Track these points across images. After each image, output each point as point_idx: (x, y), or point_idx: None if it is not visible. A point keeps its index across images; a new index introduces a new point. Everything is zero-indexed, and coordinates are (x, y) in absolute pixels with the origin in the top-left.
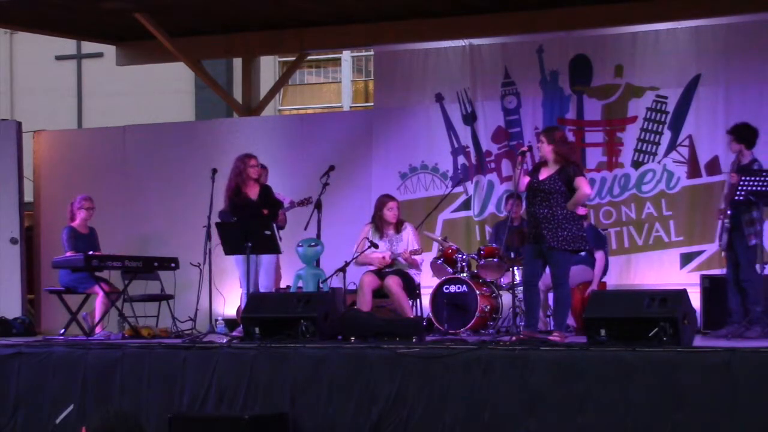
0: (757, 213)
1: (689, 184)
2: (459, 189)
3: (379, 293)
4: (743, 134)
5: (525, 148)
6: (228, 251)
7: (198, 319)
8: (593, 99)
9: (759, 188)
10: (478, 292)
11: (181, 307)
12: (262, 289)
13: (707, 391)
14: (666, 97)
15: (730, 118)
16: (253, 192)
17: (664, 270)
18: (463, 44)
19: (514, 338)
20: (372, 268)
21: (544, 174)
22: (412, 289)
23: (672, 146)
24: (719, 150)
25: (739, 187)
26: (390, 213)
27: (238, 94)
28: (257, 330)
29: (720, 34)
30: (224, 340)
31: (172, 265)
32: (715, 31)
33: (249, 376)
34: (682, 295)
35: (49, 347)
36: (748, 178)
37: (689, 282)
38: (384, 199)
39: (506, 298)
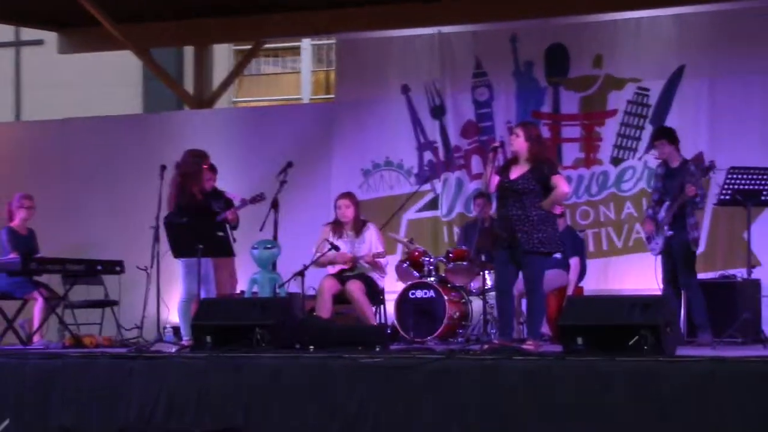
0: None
1: None
2: (426, 187)
3: (340, 299)
4: (673, 135)
5: (497, 144)
6: (177, 254)
7: (145, 327)
8: (570, 91)
9: (747, 187)
10: (446, 297)
11: (126, 314)
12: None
13: (691, 402)
14: (648, 90)
15: (715, 111)
16: (202, 192)
17: (645, 274)
18: (432, 32)
19: (484, 347)
20: (332, 271)
21: (515, 173)
22: (375, 295)
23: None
24: (704, 146)
25: (725, 186)
26: (341, 212)
27: (189, 85)
28: (209, 338)
29: (705, 22)
30: (173, 350)
31: (117, 268)
32: (700, 19)
33: (200, 388)
34: (664, 301)
35: None
36: (735, 176)
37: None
38: (337, 198)
39: (476, 304)
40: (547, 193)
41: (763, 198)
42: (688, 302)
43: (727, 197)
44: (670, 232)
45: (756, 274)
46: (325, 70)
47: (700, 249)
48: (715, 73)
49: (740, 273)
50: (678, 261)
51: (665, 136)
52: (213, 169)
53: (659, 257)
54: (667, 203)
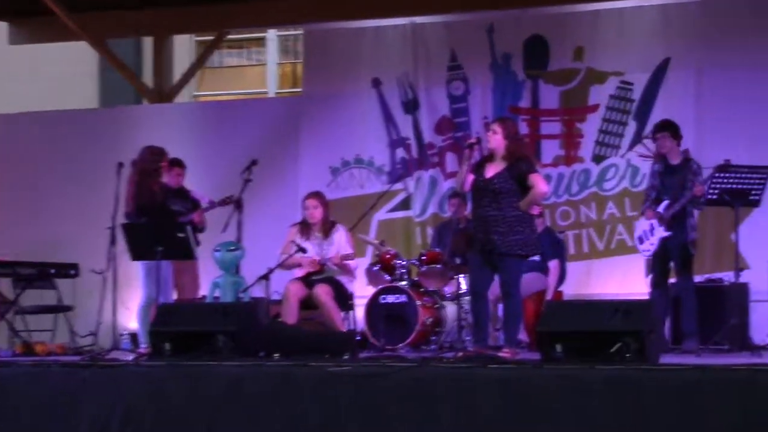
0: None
1: None
2: (398, 186)
3: (307, 304)
4: (677, 130)
5: (473, 140)
6: (135, 256)
7: (100, 334)
8: (550, 85)
9: (735, 186)
10: (418, 302)
11: (81, 320)
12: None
13: (675, 413)
14: (631, 84)
15: (702, 106)
16: (163, 192)
17: (628, 278)
18: (404, 23)
19: (459, 355)
20: (299, 274)
21: (491, 171)
22: (344, 299)
23: (637, 138)
24: (690, 143)
25: (711, 184)
26: (309, 213)
27: (148, 78)
28: (168, 346)
29: (691, 13)
30: (130, 358)
31: (71, 272)
32: (686, 9)
33: (158, 398)
34: (648, 306)
35: None
36: (722, 175)
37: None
38: (304, 198)
39: (450, 309)
40: (525, 192)
41: (751, 198)
42: (677, 307)
43: (714, 197)
44: (669, 233)
45: (744, 277)
46: (291, 62)
47: None
48: (702, 66)
49: (728, 276)
50: (675, 263)
51: (668, 129)
52: (181, 165)
53: (647, 259)
54: (667, 202)
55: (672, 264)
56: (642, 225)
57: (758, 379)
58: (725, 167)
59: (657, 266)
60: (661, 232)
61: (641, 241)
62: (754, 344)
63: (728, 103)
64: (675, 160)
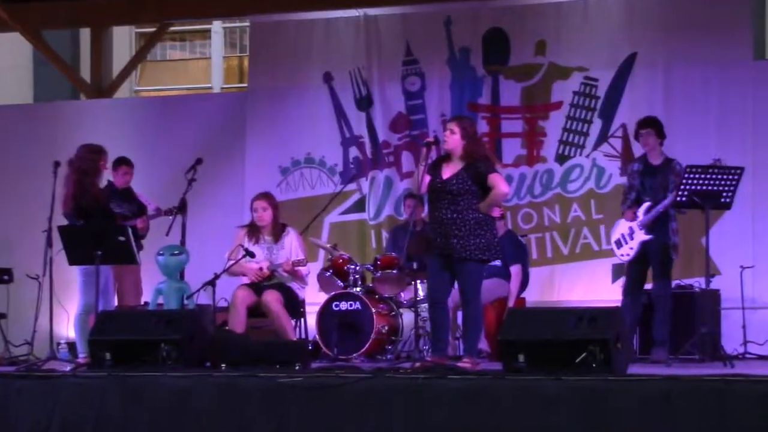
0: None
1: (623, 182)
2: (351, 187)
3: (256, 311)
4: (661, 128)
5: (431, 139)
6: (73, 261)
7: (36, 343)
8: (511, 81)
9: (706, 188)
10: (373, 309)
11: (15, 328)
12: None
13: (643, 426)
14: (596, 80)
15: (670, 104)
16: (103, 192)
17: (594, 284)
18: (357, 14)
19: (416, 365)
20: (247, 280)
21: (448, 172)
22: (294, 307)
23: (603, 137)
24: None
25: (681, 186)
26: (258, 215)
27: (86, 72)
28: (108, 355)
29: (658, 5)
30: (68, 368)
31: (5, 277)
32: (653, 2)
33: (98, 410)
34: (614, 313)
35: None
36: (692, 176)
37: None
38: (253, 199)
39: (407, 317)
40: (485, 194)
41: (722, 200)
42: (648, 315)
43: (683, 199)
44: (649, 237)
45: (715, 284)
46: (237, 55)
47: None
48: (670, 62)
49: (698, 283)
50: (655, 268)
51: (652, 126)
52: (128, 164)
53: (623, 264)
54: (648, 204)
55: (650, 269)
56: (620, 228)
57: (730, 390)
58: (695, 168)
59: (633, 271)
60: (641, 236)
61: (619, 245)
62: (726, 354)
63: (697, 100)
64: (656, 160)
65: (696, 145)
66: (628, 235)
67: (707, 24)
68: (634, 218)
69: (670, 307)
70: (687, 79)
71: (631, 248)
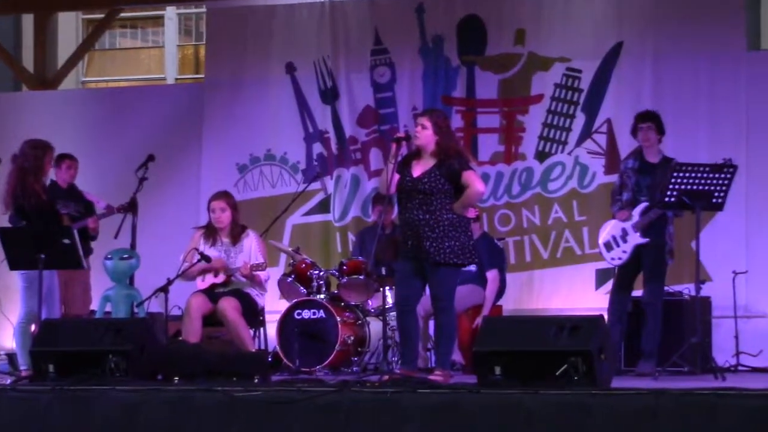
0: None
1: (607, 181)
2: (315, 186)
3: (212, 320)
4: (661, 123)
5: (401, 134)
6: (14, 265)
7: None
8: (488, 72)
9: (696, 187)
10: (338, 318)
11: None
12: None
13: None
14: (579, 71)
15: (658, 97)
16: (48, 191)
17: (576, 290)
18: (322, 0)
19: (384, 378)
20: (202, 286)
21: (419, 169)
22: (253, 315)
23: (586, 133)
24: None
25: (670, 185)
26: (215, 216)
27: (28, 61)
28: (51, 368)
29: None
30: (8, 381)
31: None
32: None
33: (41, 427)
34: (598, 322)
35: None
36: (680, 175)
37: (607, 306)
38: (210, 199)
39: (375, 326)
40: (459, 193)
41: (714, 200)
42: (636, 323)
43: (672, 199)
44: (645, 240)
45: (706, 290)
46: (193, 44)
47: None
48: (659, 52)
49: (687, 289)
50: (647, 273)
51: (653, 120)
52: (72, 159)
53: (603, 270)
54: (644, 204)
55: (642, 273)
56: (611, 228)
57: (721, 405)
58: (684, 166)
59: (622, 275)
60: (637, 239)
61: (609, 247)
62: (717, 366)
63: (688, 93)
64: (654, 158)
65: (686, 141)
66: (620, 237)
67: (698, 12)
68: (628, 219)
69: (660, 316)
70: (676, 71)
71: (624, 252)
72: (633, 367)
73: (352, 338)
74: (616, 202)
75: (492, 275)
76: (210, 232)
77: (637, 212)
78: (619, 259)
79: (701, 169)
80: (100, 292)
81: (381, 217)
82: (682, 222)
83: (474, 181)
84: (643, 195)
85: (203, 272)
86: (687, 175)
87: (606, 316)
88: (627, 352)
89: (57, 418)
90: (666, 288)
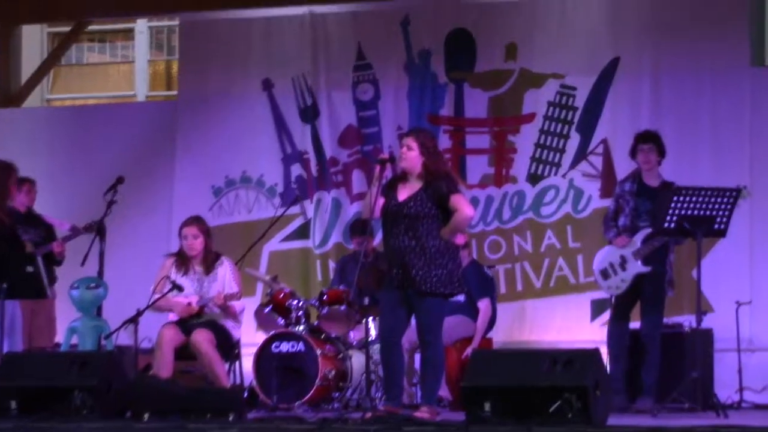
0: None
1: (603, 205)
2: (293, 210)
3: (184, 353)
4: (662, 145)
5: (385, 156)
6: None
7: None
8: (477, 89)
9: (697, 212)
10: (319, 351)
11: None
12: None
13: None
14: (574, 88)
15: (658, 116)
16: (11, 216)
17: (571, 322)
18: (302, 12)
19: (367, 415)
20: (174, 318)
21: (404, 193)
22: (228, 348)
23: (581, 154)
24: None
25: (670, 210)
26: (187, 243)
27: None
28: (14, 404)
29: (645, 4)
30: None
31: None
32: (639, 0)
33: None
34: (593, 356)
35: None
36: (680, 199)
37: (603, 339)
38: (182, 225)
39: (358, 359)
40: (447, 218)
41: (716, 226)
42: (634, 357)
43: (672, 225)
44: (647, 268)
45: (707, 322)
46: (165, 59)
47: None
48: (658, 68)
49: (688, 321)
50: (647, 304)
51: (654, 141)
52: (30, 182)
53: (599, 300)
54: (647, 230)
55: (639, 304)
56: (608, 255)
57: None
58: (684, 189)
59: (622, 305)
60: (637, 267)
61: (606, 275)
62: (719, 402)
63: (689, 112)
64: (654, 182)
65: (686, 163)
66: (619, 265)
67: (699, 25)
68: (628, 246)
69: (659, 349)
70: (676, 88)
71: (624, 281)
72: (631, 403)
73: (333, 373)
74: (610, 228)
75: (484, 304)
76: (182, 259)
77: (639, 239)
78: (617, 288)
79: (703, 192)
80: (65, 324)
81: (363, 244)
82: (683, 249)
83: (462, 206)
84: (642, 221)
85: (172, 310)
86: (687, 199)
87: (606, 350)
88: (624, 387)
89: None
90: (665, 319)
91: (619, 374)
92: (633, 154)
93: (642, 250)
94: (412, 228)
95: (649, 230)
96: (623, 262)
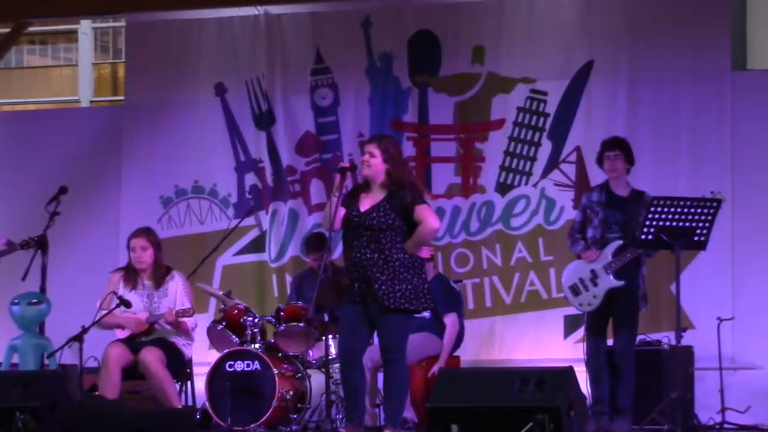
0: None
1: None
2: (248, 221)
3: (132, 372)
4: (631, 152)
5: (346, 164)
6: None
7: None
8: (442, 94)
9: (676, 223)
10: (275, 371)
11: None
12: None
13: None
14: (545, 94)
15: (634, 122)
16: None
17: (543, 339)
18: (256, 13)
19: None
20: (122, 335)
21: (367, 203)
22: (179, 367)
23: (553, 163)
24: None
25: (647, 222)
26: (136, 256)
27: None
28: None
29: (619, 5)
30: None
31: None
32: (613, 1)
33: None
34: (567, 375)
35: None
36: (658, 209)
37: (577, 357)
38: (130, 236)
39: (317, 379)
40: (411, 229)
41: (696, 238)
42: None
43: (650, 237)
44: (620, 282)
45: (687, 339)
46: (110, 62)
47: None
48: (634, 72)
49: (667, 338)
50: (622, 322)
51: (622, 148)
52: None
53: (573, 316)
54: (618, 243)
55: (612, 320)
56: (577, 270)
57: None
58: (662, 200)
59: (596, 321)
60: (609, 282)
61: (576, 291)
62: (700, 423)
63: (667, 118)
64: (623, 191)
65: (664, 171)
66: (590, 280)
67: (678, 27)
68: (596, 259)
69: (634, 368)
70: (654, 93)
71: (595, 297)
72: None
73: (290, 393)
74: (576, 240)
75: (451, 320)
76: (130, 273)
77: (609, 251)
78: (589, 305)
79: (681, 203)
80: (5, 342)
81: (320, 260)
82: (660, 262)
83: (428, 217)
84: (612, 232)
85: (120, 326)
86: (665, 209)
87: (585, 369)
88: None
89: None
90: (643, 336)
91: (604, 395)
92: (599, 161)
93: (614, 264)
94: (375, 240)
95: (620, 242)
96: (594, 276)
